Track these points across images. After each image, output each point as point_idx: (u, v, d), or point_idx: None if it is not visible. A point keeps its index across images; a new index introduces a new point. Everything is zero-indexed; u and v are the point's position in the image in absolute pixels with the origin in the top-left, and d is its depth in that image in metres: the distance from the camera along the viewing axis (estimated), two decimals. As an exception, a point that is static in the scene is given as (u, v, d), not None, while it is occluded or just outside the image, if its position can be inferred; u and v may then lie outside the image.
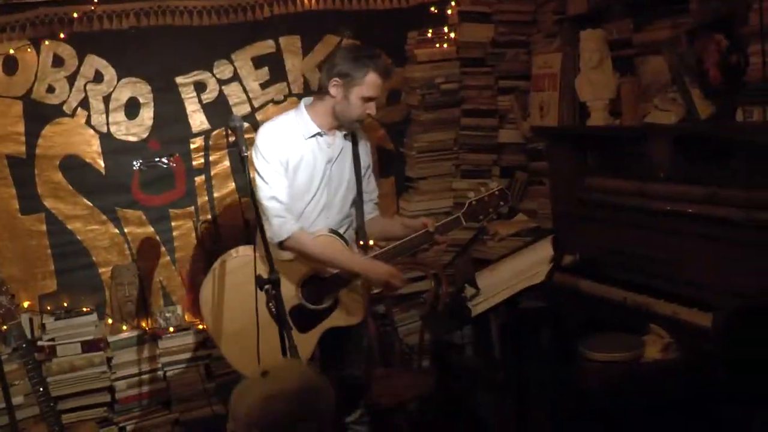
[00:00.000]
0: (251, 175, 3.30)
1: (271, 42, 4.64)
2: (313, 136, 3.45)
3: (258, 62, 4.63)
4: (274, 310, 3.05)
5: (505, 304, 3.35)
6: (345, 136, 3.55)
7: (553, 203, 4.53)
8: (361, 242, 3.62)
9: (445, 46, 4.83)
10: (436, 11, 4.87)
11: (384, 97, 4.51)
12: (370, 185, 3.71)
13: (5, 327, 3.78)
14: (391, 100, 4.91)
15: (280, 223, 3.34)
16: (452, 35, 4.84)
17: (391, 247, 3.48)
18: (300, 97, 4.69)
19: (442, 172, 4.95)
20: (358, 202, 3.62)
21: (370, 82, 3.36)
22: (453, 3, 4.86)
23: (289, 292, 3.42)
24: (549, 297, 4.01)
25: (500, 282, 3.46)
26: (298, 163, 3.42)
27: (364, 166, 3.66)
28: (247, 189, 3.30)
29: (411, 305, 4.79)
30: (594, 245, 3.92)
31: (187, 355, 4.43)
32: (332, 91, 3.39)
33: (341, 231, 3.53)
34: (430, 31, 4.82)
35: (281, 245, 3.37)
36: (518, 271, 3.48)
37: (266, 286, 2.94)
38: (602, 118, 4.03)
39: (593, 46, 4.02)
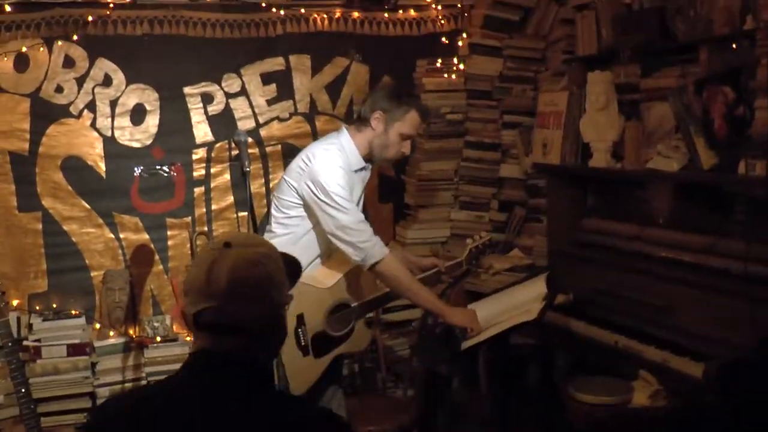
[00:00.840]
0: (324, 209, 3.32)
1: (281, 59, 4.67)
2: (360, 169, 3.52)
3: (266, 78, 4.65)
4: (301, 339, 3.38)
5: (495, 339, 3.34)
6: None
7: (549, 241, 4.53)
8: None
9: (453, 76, 4.86)
10: (446, 41, 4.90)
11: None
12: None
13: (-9, 324, 3.76)
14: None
15: (372, 244, 3.33)
16: (461, 66, 4.87)
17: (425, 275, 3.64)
18: (305, 116, 4.73)
19: (441, 201, 4.95)
20: None
21: (410, 120, 3.44)
22: (464, 35, 4.89)
23: (316, 319, 3.44)
24: (540, 335, 4.01)
25: (492, 316, 3.45)
26: (351, 194, 3.44)
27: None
28: (246, 204, 3.31)
29: (400, 333, 4.77)
30: (588, 286, 3.91)
31: (173, 366, 4.35)
32: (373, 123, 3.44)
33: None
34: (440, 60, 4.85)
35: (372, 268, 3.36)
36: (511, 306, 3.48)
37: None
38: (604, 160, 4.03)
39: (600, 88, 4.04)
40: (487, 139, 4.91)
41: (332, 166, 3.36)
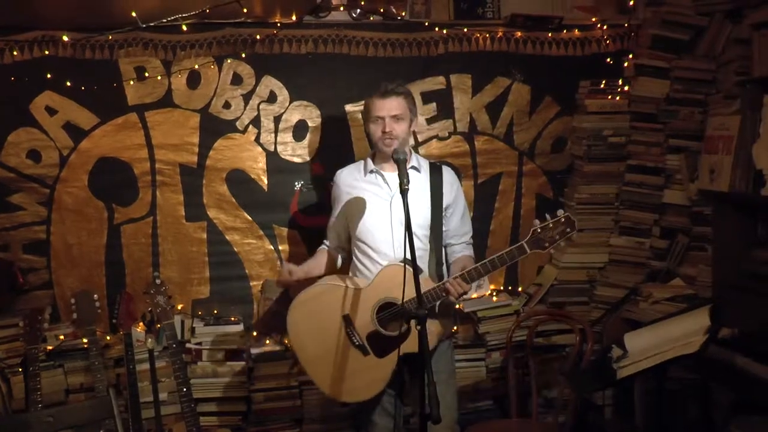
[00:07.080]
0: None
1: (442, 78, 4.68)
2: (372, 172, 3.72)
3: (427, 97, 4.67)
4: (354, 339, 3.45)
5: (652, 371, 3.23)
6: (415, 172, 3.70)
7: (714, 271, 4.34)
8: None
9: (617, 98, 4.73)
10: (611, 62, 4.78)
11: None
12: (461, 227, 3.80)
13: (159, 325, 3.95)
14: (556, 148, 4.85)
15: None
16: (626, 88, 4.74)
17: (481, 263, 3.44)
18: (464, 135, 4.73)
19: (600, 226, 4.82)
20: (436, 238, 3.68)
21: (369, 107, 3.64)
22: (630, 55, 4.76)
23: (365, 319, 3.49)
24: (701, 369, 3.83)
25: (650, 347, 3.34)
26: (354, 200, 3.70)
27: (443, 204, 3.71)
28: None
29: (554, 358, 4.67)
30: (756, 321, 3.70)
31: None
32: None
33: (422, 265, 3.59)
34: (604, 81, 4.74)
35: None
36: (670, 337, 3.35)
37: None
38: (779, 189, 3.83)
39: (777, 113, 3.84)
40: (650, 163, 4.74)
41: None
